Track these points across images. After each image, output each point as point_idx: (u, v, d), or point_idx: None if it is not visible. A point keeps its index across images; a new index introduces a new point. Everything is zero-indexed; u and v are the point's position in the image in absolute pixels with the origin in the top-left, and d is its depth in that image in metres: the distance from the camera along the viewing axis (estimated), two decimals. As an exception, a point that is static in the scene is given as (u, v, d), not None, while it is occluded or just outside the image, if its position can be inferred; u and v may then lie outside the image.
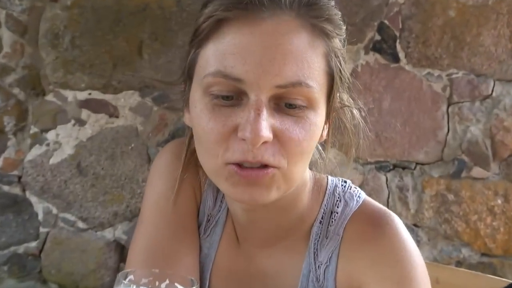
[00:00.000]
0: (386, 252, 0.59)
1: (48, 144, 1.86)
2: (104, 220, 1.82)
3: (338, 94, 0.59)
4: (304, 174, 0.62)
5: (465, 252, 1.71)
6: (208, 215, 0.69)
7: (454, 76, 1.69)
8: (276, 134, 0.51)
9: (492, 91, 1.68)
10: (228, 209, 0.68)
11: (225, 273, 0.67)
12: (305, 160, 0.57)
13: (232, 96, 0.52)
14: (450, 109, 1.71)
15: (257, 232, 0.66)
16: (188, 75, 0.58)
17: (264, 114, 0.49)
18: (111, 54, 1.81)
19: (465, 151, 1.71)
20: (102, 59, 1.82)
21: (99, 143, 1.83)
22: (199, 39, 0.54)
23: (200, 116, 0.53)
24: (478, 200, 1.70)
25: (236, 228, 0.68)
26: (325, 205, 0.65)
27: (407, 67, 1.71)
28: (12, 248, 1.87)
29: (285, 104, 0.52)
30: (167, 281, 0.42)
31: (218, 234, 0.67)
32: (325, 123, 0.59)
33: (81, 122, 1.85)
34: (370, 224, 0.62)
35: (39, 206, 1.86)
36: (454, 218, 1.71)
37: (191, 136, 0.63)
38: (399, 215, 0.62)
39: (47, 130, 1.86)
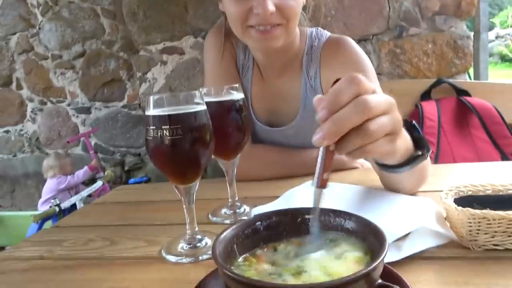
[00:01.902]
0: (347, 58, 0.87)
1: (149, 81, 3.06)
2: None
3: None
4: (296, 27, 0.87)
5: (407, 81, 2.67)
6: (242, 64, 1.00)
7: (387, -30, 2.53)
8: (277, 6, 0.78)
9: (415, -27, 2.51)
10: (253, 59, 0.98)
11: (258, 95, 0.98)
12: (296, 19, 0.83)
13: None
14: (387, -6, 2.58)
15: (272, 67, 0.95)
16: None
17: None
18: (169, 16, 2.87)
19: (402, 19, 2.58)
20: (164, 21, 2.89)
21: (178, 72, 2.97)
22: None
23: (228, 3, 0.82)
24: (416, 48, 2.60)
25: (260, 68, 0.97)
26: (307, 43, 0.94)
27: (355, -27, 2.58)
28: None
29: None
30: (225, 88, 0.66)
31: (249, 74, 0.98)
32: None
33: (164, 62, 2.99)
34: (334, 45, 0.90)
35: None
36: (402, 63, 2.64)
37: (225, 18, 0.90)
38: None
39: (146, 72, 3.04)
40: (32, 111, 3.45)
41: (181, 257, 0.55)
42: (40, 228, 1.85)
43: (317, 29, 0.97)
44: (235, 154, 0.68)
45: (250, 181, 0.87)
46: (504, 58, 11.33)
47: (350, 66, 0.85)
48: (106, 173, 2.35)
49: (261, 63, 0.97)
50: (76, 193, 2.83)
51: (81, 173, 2.84)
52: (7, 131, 3.56)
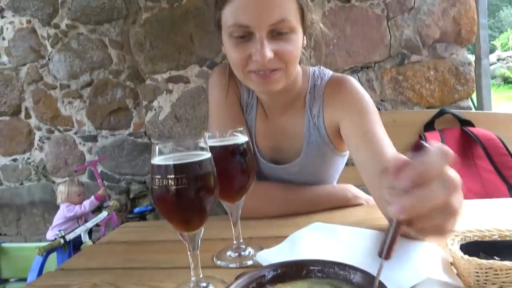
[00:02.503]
0: (348, 97, 0.88)
1: (155, 109, 3.10)
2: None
3: (308, 16, 0.86)
4: (296, 69, 0.89)
5: (416, 109, 2.70)
6: (246, 102, 1.02)
7: (387, 1, 2.60)
8: (275, 52, 0.79)
9: (414, 3, 2.57)
10: (257, 97, 1.00)
11: (262, 133, 0.99)
12: (296, 62, 0.85)
13: (245, 36, 0.80)
14: (389, 23, 2.62)
15: (276, 106, 0.97)
16: (218, 27, 0.87)
17: (266, 43, 0.77)
18: (175, 46, 2.94)
19: (404, 47, 2.62)
20: (170, 51, 2.95)
21: (184, 100, 3.01)
22: (220, 3, 0.82)
23: (229, 49, 0.84)
24: (418, 75, 2.63)
25: (264, 107, 1.00)
26: (310, 82, 0.95)
27: (356, 3, 2.65)
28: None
29: (277, 33, 0.79)
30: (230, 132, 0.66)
31: (254, 112, 1.00)
32: (304, 35, 0.86)
33: (169, 91, 3.04)
34: (337, 84, 0.92)
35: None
36: (405, 90, 2.67)
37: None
38: (372, 97, 0.92)
39: (152, 101, 3.08)
40: (39, 140, 3.49)
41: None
42: (44, 260, 1.85)
43: (320, 67, 0.98)
44: (239, 196, 0.69)
45: (254, 219, 0.87)
46: (506, 80, 11.39)
47: (352, 105, 0.86)
48: (111, 203, 2.36)
49: (265, 102, 0.99)
50: (85, 222, 2.83)
51: (88, 204, 2.85)
52: (15, 160, 3.60)
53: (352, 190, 0.95)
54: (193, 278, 0.58)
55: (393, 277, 0.43)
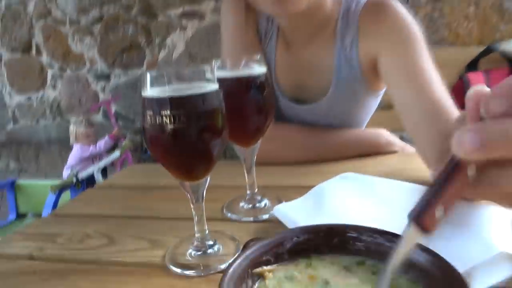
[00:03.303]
0: (391, 25, 0.71)
1: (168, 47, 2.93)
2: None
3: None
4: None
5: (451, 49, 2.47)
6: (265, 30, 0.87)
7: None
8: None
9: None
10: (277, 25, 0.85)
11: (283, 66, 0.85)
12: None
13: None
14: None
15: (300, 34, 0.81)
16: None
17: None
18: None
19: None
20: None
21: (198, 38, 2.83)
22: None
23: None
24: (456, 12, 2.37)
25: (285, 35, 0.84)
26: (343, 6, 0.79)
27: None
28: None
29: None
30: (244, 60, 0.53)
31: (273, 41, 0.85)
32: None
33: (183, 28, 2.85)
34: (376, 9, 0.74)
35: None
36: (440, 28, 2.42)
37: None
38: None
39: (165, 38, 2.92)
40: (52, 78, 3.41)
41: (187, 270, 0.46)
42: (58, 198, 1.83)
43: None
44: (255, 140, 0.57)
45: (271, 164, 0.77)
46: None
47: (395, 34, 0.71)
48: (124, 143, 2.29)
49: (286, 30, 0.83)
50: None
51: (102, 144, 2.81)
52: (29, 98, 3.55)
53: (385, 135, 0.82)
54: (197, 235, 0.49)
55: (455, 250, 0.32)
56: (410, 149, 0.85)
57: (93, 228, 0.59)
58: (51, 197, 1.77)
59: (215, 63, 0.54)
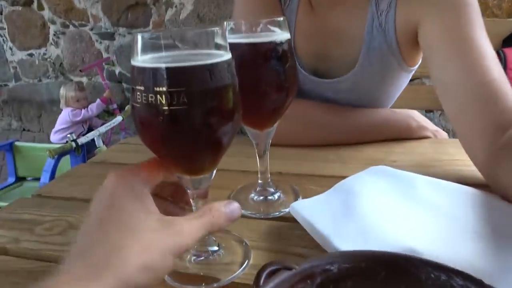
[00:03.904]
0: None
1: (175, 6, 2.77)
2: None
3: None
4: None
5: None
6: None
7: None
8: None
9: None
10: None
11: (305, 33, 0.73)
12: None
13: None
14: None
15: None
16: None
17: None
18: None
19: None
20: None
21: (208, -3, 2.67)
22: None
23: None
24: None
25: None
26: None
27: None
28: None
29: None
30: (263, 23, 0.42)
31: (294, 3, 0.73)
32: None
33: (192, -13, 2.69)
34: None
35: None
36: None
37: None
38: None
39: (173, -4, 2.76)
40: (54, 34, 3.27)
41: (187, 284, 0.37)
42: (57, 163, 1.76)
43: None
44: (271, 122, 0.47)
45: (286, 146, 0.67)
46: None
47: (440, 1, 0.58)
48: (126, 108, 2.20)
49: None
50: (90, 126, 2.72)
51: (94, 107, 2.72)
52: (31, 55, 3.43)
53: (417, 118, 0.72)
54: (198, 237, 0.40)
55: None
56: (443, 134, 0.75)
57: (77, 214, 0.51)
58: (49, 162, 1.70)
59: (227, 25, 0.44)
